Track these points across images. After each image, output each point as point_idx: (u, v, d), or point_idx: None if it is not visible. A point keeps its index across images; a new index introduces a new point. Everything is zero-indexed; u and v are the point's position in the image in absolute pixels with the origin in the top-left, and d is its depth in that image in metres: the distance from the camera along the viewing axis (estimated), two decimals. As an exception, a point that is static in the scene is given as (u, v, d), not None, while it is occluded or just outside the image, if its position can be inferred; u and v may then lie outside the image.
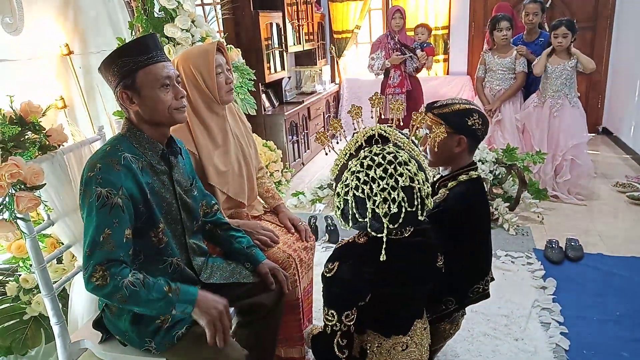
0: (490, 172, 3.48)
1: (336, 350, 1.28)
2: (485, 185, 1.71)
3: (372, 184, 1.20)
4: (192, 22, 2.80)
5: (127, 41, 2.59)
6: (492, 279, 1.78)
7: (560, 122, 3.72)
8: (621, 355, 2.07)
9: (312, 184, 4.07)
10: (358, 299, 1.30)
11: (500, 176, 3.51)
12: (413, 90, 4.48)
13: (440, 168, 1.74)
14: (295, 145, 4.90)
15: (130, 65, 1.36)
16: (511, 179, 3.51)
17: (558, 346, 2.13)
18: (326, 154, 1.40)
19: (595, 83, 5.69)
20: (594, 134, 5.51)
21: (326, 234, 3.29)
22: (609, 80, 5.66)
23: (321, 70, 6.04)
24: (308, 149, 5.23)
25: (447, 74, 6.18)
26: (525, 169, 3.49)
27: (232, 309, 1.79)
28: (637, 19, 4.91)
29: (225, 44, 3.04)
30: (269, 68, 4.58)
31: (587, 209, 3.64)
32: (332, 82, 6.57)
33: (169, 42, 2.74)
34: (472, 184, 1.64)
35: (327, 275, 1.30)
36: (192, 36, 2.79)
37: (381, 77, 4.54)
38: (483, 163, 3.48)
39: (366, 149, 1.25)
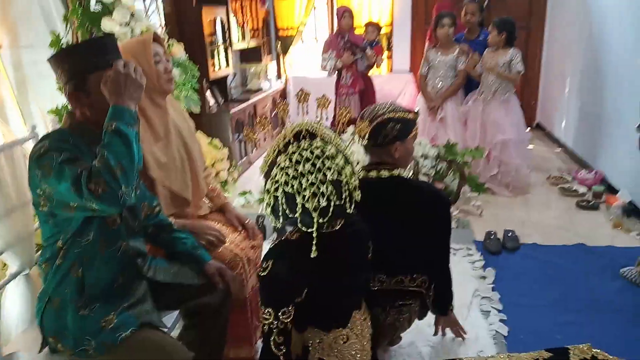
0: (433, 167, 3.59)
1: (273, 348, 1.28)
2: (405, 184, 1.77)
3: (301, 179, 1.22)
4: (132, 15, 2.71)
5: (61, 36, 2.48)
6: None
7: (489, 118, 3.90)
8: (555, 338, 2.19)
9: (260, 183, 4.04)
10: (294, 295, 1.30)
11: (441, 171, 3.62)
12: (366, 90, 4.58)
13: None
14: (242, 143, 4.85)
15: (82, 66, 1.32)
16: (452, 173, 3.64)
17: (497, 332, 2.24)
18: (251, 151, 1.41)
19: (529, 80, 5.98)
20: (529, 129, 5.79)
21: (274, 233, 3.28)
22: (542, 77, 5.97)
23: (267, 67, 6.00)
24: (255, 147, 5.20)
25: (391, 71, 6.30)
26: (464, 164, 3.62)
27: (176, 312, 1.76)
28: (567, 19, 5.20)
29: (167, 39, 2.97)
30: (214, 64, 4.50)
31: (523, 201, 3.83)
32: (278, 80, 6.54)
33: (106, 38, 2.64)
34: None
35: (262, 274, 1.30)
36: (132, 31, 2.70)
37: (334, 76, 4.58)
38: (425, 159, 3.58)
39: (294, 144, 1.27)
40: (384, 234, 1.59)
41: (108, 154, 1.22)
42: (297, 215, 1.23)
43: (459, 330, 2.12)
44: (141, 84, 1.34)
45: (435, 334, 2.14)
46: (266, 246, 2.78)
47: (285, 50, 6.42)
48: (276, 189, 1.25)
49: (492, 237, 3.08)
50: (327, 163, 1.24)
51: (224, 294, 1.65)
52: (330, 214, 1.24)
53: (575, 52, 4.85)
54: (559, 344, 2.12)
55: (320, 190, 1.22)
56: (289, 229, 1.34)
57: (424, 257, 1.82)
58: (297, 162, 1.23)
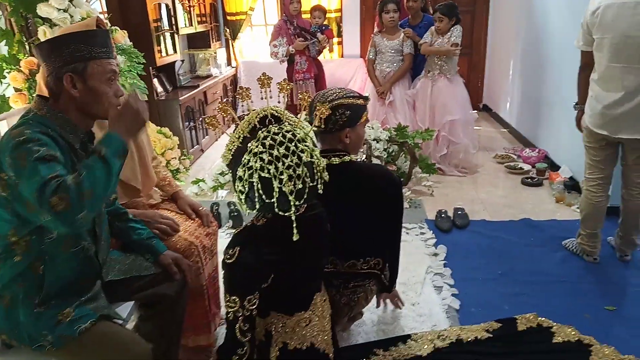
0: (385, 150, 3.65)
1: (238, 335, 1.28)
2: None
3: (277, 162, 1.22)
4: (70, 1, 2.59)
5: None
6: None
7: (437, 99, 4.01)
8: (503, 309, 2.30)
9: (213, 171, 4.00)
10: (261, 282, 1.31)
11: (393, 153, 3.70)
12: (319, 74, 4.58)
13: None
14: (193, 131, 4.76)
15: (84, 52, 1.34)
16: (403, 155, 3.71)
17: (450, 307, 2.33)
18: (217, 139, 1.39)
19: (475, 64, 6.16)
20: (476, 111, 5.97)
21: (229, 220, 3.26)
22: (487, 60, 6.16)
23: (216, 53, 5.88)
24: (207, 134, 5.11)
25: (342, 56, 6.33)
26: (415, 145, 3.71)
27: (132, 303, 1.73)
28: (509, 3, 5.38)
29: (109, 24, 2.86)
30: (160, 51, 4.37)
31: (472, 180, 3.97)
32: (228, 66, 6.44)
33: (43, 24, 2.51)
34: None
35: (229, 261, 1.29)
36: (71, 17, 2.58)
37: (285, 63, 4.56)
38: (378, 142, 3.64)
39: (263, 129, 1.26)
40: (338, 219, 1.60)
41: (86, 176, 1.19)
42: (273, 200, 1.23)
43: (397, 302, 2.19)
44: (144, 121, 1.39)
45: (378, 306, 2.19)
46: (221, 234, 2.78)
47: (234, 36, 6.32)
48: (251, 175, 1.23)
49: (443, 216, 3.18)
50: (300, 145, 1.25)
51: (180, 284, 1.64)
52: (305, 196, 1.25)
53: (517, 35, 5.04)
54: (507, 314, 2.25)
55: (297, 173, 1.23)
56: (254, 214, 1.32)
57: (378, 240, 1.87)
58: (271, 147, 1.23)
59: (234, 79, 6.35)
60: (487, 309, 2.32)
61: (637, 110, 2.27)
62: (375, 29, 4.43)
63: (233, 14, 6.21)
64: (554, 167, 3.91)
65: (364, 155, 3.55)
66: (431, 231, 3.07)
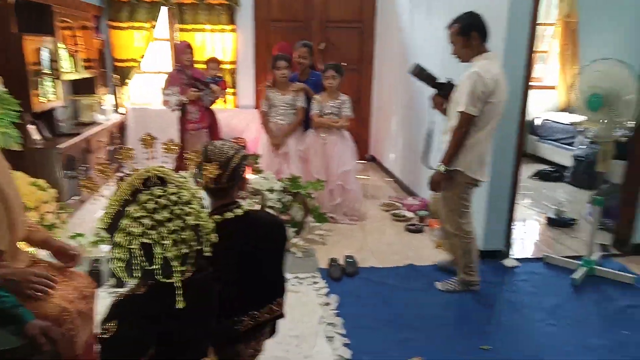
0: (279, 200, 3.70)
1: None
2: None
3: (160, 227, 1.16)
4: None
5: None
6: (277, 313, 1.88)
7: (332, 151, 4.21)
8: (392, 356, 2.39)
9: (95, 224, 3.74)
10: (142, 355, 1.23)
11: (287, 203, 3.76)
12: (212, 124, 4.58)
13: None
14: (74, 181, 4.44)
15: None
16: (297, 205, 3.79)
17: (342, 357, 2.36)
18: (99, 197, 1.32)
19: (363, 118, 6.54)
20: (364, 162, 6.31)
21: (111, 278, 3.04)
22: (373, 115, 6.58)
23: (102, 99, 5.63)
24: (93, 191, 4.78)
25: (236, 107, 6.39)
26: (307, 196, 3.81)
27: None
28: (388, 64, 5.86)
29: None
30: (38, 96, 4.09)
31: (361, 228, 4.14)
32: (115, 112, 6.17)
33: None
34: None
35: (104, 336, 1.19)
36: None
37: (177, 112, 4.49)
38: (272, 192, 3.68)
39: (145, 192, 1.19)
40: (244, 271, 1.59)
41: None
42: (156, 266, 1.16)
43: None
44: None
45: None
46: (102, 293, 2.58)
47: (123, 82, 6.11)
48: (130, 242, 1.15)
49: (334, 264, 3.26)
50: (185, 209, 1.20)
51: (51, 355, 1.49)
52: (190, 261, 1.21)
53: (397, 92, 5.48)
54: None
55: (181, 237, 1.18)
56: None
57: (280, 279, 1.88)
58: (154, 210, 1.16)
59: (122, 126, 6.09)
60: (377, 356, 2.39)
61: None
62: (268, 82, 4.56)
63: (122, 60, 6.04)
64: (433, 215, 4.21)
65: (259, 206, 3.57)
66: (324, 280, 3.12)
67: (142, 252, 1.16)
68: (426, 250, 3.68)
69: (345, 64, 6.03)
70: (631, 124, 3.02)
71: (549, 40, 6.86)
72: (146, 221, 1.16)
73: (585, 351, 2.48)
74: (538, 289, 3.12)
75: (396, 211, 4.45)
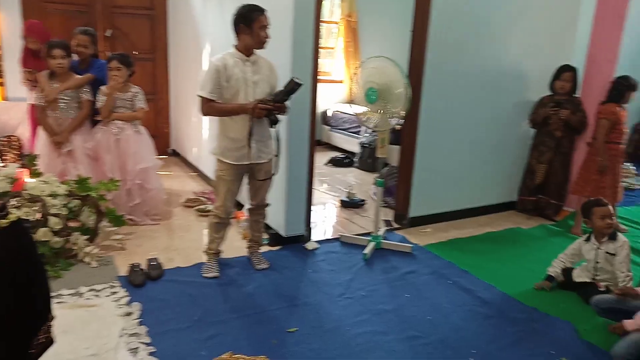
0: (64, 206, 3.29)
1: None
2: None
3: None
4: None
5: None
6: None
7: (127, 147, 3.91)
8: (200, 355, 2.34)
9: None
10: None
11: (75, 209, 3.36)
12: None
13: None
14: None
15: None
16: (87, 209, 3.42)
17: (147, 367, 2.23)
18: None
19: (161, 109, 6.22)
20: (165, 156, 6.03)
21: None
22: (171, 107, 6.30)
23: None
24: None
25: (5, 99, 5.47)
26: (100, 198, 3.47)
27: None
28: (184, 54, 5.67)
29: None
30: None
31: (165, 228, 3.95)
32: None
33: None
34: None
35: None
36: None
37: None
38: (55, 198, 3.25)
39: None
40: None
41: None
42: None
43: None
44: None
45: None
46: None
47: None
48: None
49: (135, 269, 3.04)
50: None
51: None
52: None
53: (195, 82, 5.30)
54: (205, 359, 2.30)
55: None
56: None
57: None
58: None
59: None
60: (186, 358, 2.32)
61: None
62: (44, 72, 3.99)
63: None
64: (239, 206, 4.25)
65: (40, 215, 3.12)
66: (124, 289, 2.89)
67: None
68: (234, 242, 3.68)
69: (137, 53, 5.67)
70: (403, 113, 3.48)
71: (335, 37, 7.48)
72: None
73: (376, 317, 2.79)
74: (335, 267, 3.40)
75: (201, 206, 4.36)
